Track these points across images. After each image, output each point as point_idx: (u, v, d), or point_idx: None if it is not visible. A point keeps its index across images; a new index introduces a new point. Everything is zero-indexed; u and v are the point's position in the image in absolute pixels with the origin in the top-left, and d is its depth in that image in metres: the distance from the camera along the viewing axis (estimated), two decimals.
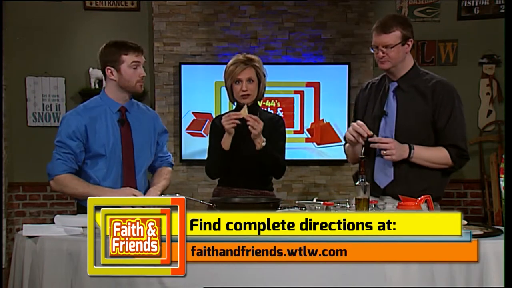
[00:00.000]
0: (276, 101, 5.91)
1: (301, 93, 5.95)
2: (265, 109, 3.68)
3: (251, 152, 3.10)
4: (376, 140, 2.79)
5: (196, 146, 5.93)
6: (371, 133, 2.80)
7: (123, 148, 3.00)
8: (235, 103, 3.26)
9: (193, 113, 5.97)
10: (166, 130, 3.24)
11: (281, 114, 5.84)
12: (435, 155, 2.86)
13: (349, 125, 6.25)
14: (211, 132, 3.30)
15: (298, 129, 5.95)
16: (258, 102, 3.29)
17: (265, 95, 3.37)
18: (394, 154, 2.78)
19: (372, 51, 2.94)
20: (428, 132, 2.89)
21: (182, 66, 5.97)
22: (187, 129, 5.98)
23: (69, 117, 3.00)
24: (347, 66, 5.95)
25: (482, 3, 6.17)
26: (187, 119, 5.98)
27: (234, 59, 3.21)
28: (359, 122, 2.86)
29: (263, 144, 3.08)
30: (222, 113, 3.41)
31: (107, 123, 3.00)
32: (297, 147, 5.93)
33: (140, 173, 3.05)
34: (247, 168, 3.17)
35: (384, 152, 2.78)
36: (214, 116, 5.96)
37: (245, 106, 3.10)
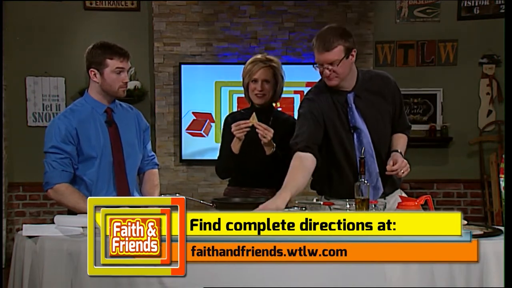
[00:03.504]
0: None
1: (301, 93, 5.95)
2: (279, 109, 3.64)
3: (261, 156, 3.08)
4: (392, 169, 2.76)
5: (196, 146, 5.93)
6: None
7: (113, 149, 2.98)
8: (251, 103, 3.24)
9: (193, 113, 5.97)
10: (148, 126, 3.21)
11: None
12: (405, 144, 2.96)
13: None
14: (224, 129, 3.27)
15: None
16: (274, 103, 3.27)
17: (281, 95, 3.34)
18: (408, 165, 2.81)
19: (316, 69, 2.80)
20: (390, 125, 2.95)
21: (182, 66, 5.97)
22: (187, 129, 5.98)
23: (58, 122, 2.95)
24: None
25: (482, 3, 6.18)
26: (187, 119, 5.98)
27: (253, 58, 3.20)
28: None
29: (273, 150, 3.06)
30: (234, 110, 3.38)
31: (96, 124, 2.97)
32: None
33: (131, 172, 3.04)
34: (256, 171, 3.16)
35: (402, 171, 2.77)
36: (214, 116, 5.97)
37: (254, 113, 3.04)
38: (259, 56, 3.20)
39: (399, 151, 2.85)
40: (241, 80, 3.23)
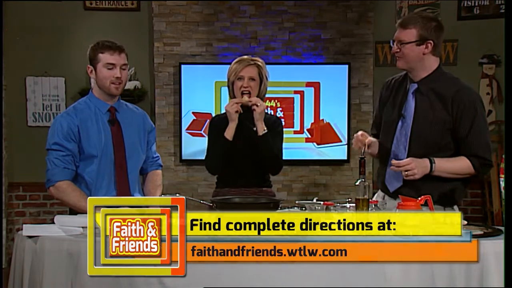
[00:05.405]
0: (276, 101, 5.91)
1: (301, 93, 5.95)
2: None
3: (251, 142, 3.18)
4: (395, 164, 2.75)
5: (196, 146, 5.93)
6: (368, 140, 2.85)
7: (114, 148, 2.98)
8: None
9: (193, 113, 5.97)
10: (154, 128, 3.23)
11: (281, 114, 5.84)
12: (457, 166, 2.82)
13: (349, 125, 6.24)
14: (210, 131, 3.36)
15: (298, 129, 5.95)
16: None
17: (265, 95, 3.40)
18: (417, 173, 2.73)
19: (391, 45, 2.91)
20: (447, 140, 2.81)
21: (182, 66, 5.97)
22: (187, 129, 5.98)
23: (60, 120, 2.97)
24: (347, 66, 5.95)
25: (482, 3, 6.17)
26: (187, 119, 5.98)
27: (239, 58, 3.33)
28: (362, 133, 2.87)
29: (265, 131, 3.18)
30: (220, 113, 3.45)
31: (98, 123, 2.98)
32: (297, 147, 5.93)
33: (133, 172, 3.04)
34: (246, 162, 3.22)
35: (406, 173, 2.73)
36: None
37: (245, 96, 3.22)
38: (245, 57, 3.35)
39: (433, 161, 2.75)
40: (226, 80, 3.34)
